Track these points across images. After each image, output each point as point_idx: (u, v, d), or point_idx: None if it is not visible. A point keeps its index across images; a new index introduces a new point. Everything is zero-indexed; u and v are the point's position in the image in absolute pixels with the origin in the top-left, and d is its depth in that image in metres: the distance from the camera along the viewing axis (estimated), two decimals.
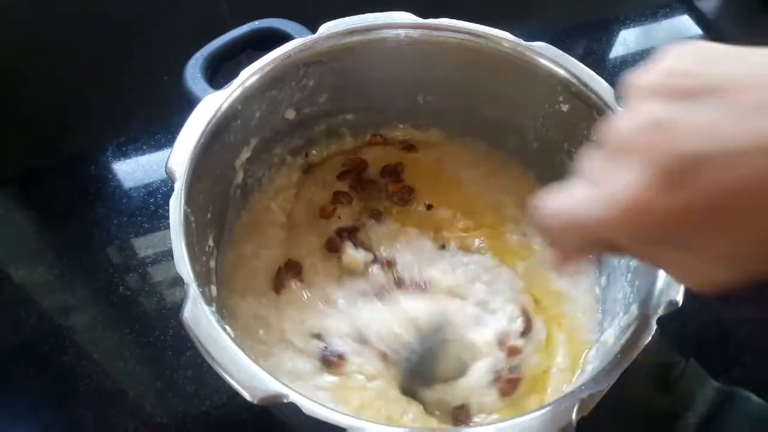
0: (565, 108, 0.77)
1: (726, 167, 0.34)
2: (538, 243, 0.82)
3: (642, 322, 0.59)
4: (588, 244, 0.45)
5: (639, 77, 0.39)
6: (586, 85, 0.74)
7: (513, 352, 0.72)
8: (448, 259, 0.81)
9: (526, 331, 0.74)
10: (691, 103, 0.36)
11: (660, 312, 0.59)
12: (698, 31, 1.24)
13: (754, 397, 0.66)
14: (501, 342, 0.73)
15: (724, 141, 0.34)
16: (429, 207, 0.86)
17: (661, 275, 0.61)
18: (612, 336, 0.68)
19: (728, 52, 0.38)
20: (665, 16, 1.26)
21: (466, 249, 0.82)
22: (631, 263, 0.71)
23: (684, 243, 0.38)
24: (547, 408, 0.53)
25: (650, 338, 0.57)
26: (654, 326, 0.58)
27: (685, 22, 1.26)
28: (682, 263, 0.40)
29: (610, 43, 1.21)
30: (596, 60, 1.18)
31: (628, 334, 0.59)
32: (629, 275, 0.71)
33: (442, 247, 0.83)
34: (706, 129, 0.35)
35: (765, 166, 0.33)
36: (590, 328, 0.76)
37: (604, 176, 0.40)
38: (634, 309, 0.64)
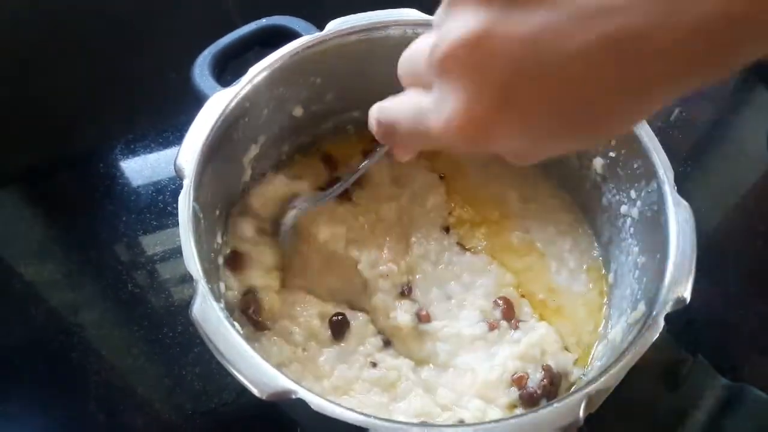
0: None
1: (546, 76, 0.35)
2: (541, 240, 0.83)
3: (649, 319, 0.59)
4: (422, 145, 0.51)
5: None
6: None
7: (493, 327, 0.75)
8: (440, 248, 0.82)
9: (508, 316, 0.76)
10: (513, 11, 0.35)
11: (668, 309, 0.59)
12: None
13: (762, 395, 0.66)
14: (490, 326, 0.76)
15: (543, 51, 0.34)
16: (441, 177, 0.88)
17: (669, 273, 0.61)
18: (619, 333, 0.68)
19: None
20: None
21: (467, 242, 0.83)
22: (638, 260, 0.71)
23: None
24: (555, 405, 0.53)
25: (658, 335, 0.57)
26: (661, 323, 0.58)
27: None
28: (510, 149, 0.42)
29: None
30: None
31: (635, 332, 0.59)
32: (636, 272, 0.71)
33: (446, 230, 0.84)
34: (525, 41, 0.35)
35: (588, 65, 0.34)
36: (593, 321, 0.77)
37: (437, 93, 0.41)
38: (641, 306, 0.64)
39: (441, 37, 0.38)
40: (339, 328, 0.75)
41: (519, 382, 0.71)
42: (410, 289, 0.78)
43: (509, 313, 0.76)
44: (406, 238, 0.82)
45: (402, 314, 0.75)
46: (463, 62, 0.37)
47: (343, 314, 0.75)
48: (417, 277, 0.80)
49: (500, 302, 0.77)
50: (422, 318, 0.76)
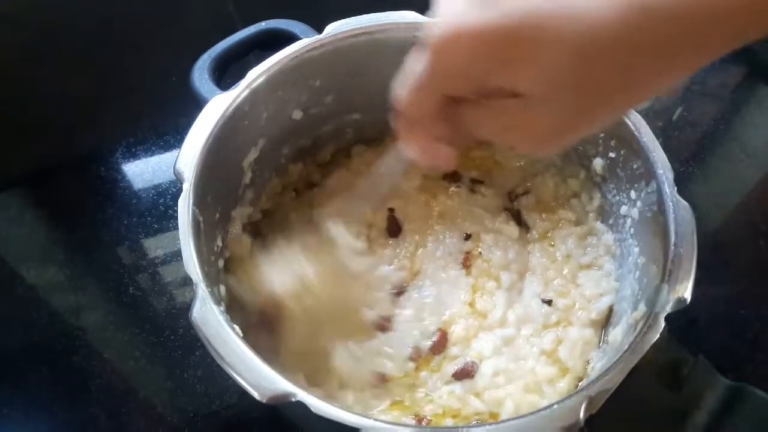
0: None
1: None
2: None
3: (650, 319, 0.59)
4: (434, 104, 0.47)
5: None
6: None
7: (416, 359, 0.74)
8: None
9: (438, 349, 0.74)
10: None
11: (668, 309, 0.59)
12: None
13: (764, 395, 0.66)
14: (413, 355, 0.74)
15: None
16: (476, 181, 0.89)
17: (669, 274, 0.61)
18: (620, 334, 0.68)
19: None
20: None
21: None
22: (639, 261, 0.71)
23: (507, 79, 0.42)
24: (555, 406, 0.53)
25: (658, 336, 0.57)
26: (662, 323, 0.58)
27: None
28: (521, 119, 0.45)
29: None
30: None
31: (636, 332, 0.59)
32: (637, 273, 0.71)
33: (468, 237, 0.83)
34: None
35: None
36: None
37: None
38: (642, 307, 0.64)
39: None
40: None
41: None
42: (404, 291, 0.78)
43: (440, 347, 0.74)
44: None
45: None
46: None
47: None
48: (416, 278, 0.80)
49: (437, 334, 0.75)
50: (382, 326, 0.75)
